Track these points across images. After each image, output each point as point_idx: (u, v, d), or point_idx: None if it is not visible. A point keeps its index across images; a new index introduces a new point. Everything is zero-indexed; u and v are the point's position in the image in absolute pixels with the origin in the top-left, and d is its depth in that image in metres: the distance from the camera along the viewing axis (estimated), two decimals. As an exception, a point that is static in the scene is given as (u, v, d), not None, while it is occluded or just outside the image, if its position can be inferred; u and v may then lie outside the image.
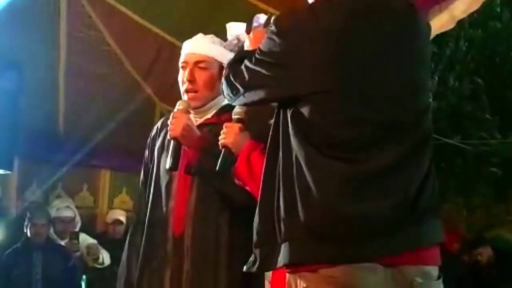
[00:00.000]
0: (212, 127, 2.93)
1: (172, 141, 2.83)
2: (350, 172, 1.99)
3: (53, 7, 5.50)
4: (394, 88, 2.05)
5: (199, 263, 2.83)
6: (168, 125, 2.91)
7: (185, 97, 2.97)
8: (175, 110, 2.90)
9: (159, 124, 3.17)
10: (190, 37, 5.48)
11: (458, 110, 9.86)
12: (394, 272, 1.98)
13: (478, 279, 7.44)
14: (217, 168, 2.68)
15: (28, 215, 6.00)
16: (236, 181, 2.66)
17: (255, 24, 2.69)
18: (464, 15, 5.00)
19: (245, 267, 2.21)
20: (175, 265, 2.84)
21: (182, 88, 2.98)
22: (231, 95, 2.29)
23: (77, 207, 6.75)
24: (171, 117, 2.87)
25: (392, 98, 2.04)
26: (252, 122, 2.71)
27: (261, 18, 2.67)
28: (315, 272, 1.98)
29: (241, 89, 2.23)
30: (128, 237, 3.14)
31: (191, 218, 2.86)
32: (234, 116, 2.74)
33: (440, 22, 5.06)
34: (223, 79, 2.31)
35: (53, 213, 6.25)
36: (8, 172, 5.58)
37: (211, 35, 3.06)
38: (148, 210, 2.98)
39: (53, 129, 6.61)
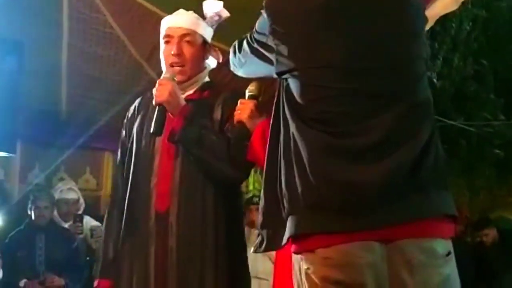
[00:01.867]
0: (194, 103, 2.94)
1: (157, 107, 2.82)
2: (340, 145, 1.98)
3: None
4: (386, 58, 2.03)
5: (185, 240, 2.82)
6: (151, 99, 2.93)
7: (170, 69, 2.96)
8: (161, 77, 2.91)
9: (136, 103, 3.15)
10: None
11: (462, 91, 9.83)
12: (392, 249, 1.94)
13: (482, 260, 7.45)
14: (231, 141, 2.74)
15: (31, 197, 5.99)
16: (250, 158, 2.67)
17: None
18: (466, -3, 4.97)
19: (252, 249, 2.22)
20: (159, 242, 2.84)
21: (166, 62, 2.98)
22: (236, 64, 2.43)
23: (80, 190, 6.74)
24: (157, 84, 2.87)
25: (384, 69, 2.03)
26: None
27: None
28: (313, 253, 1.97)
29: (243, 60, 2.36)
30: (104, 221, 3.13)
31: (175, 195, 2.86)
32: (248, 93, 2.77)
33: (443, 3, 5.04)
34: (231, 50, 2.42)
35: (57, 195, 6.23)
36: (10, 155, 5.56)
37: (191, 11, 3.06)
38: (128, 188, 2.96)
39: (55, 112, 6.60)
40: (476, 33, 9.82)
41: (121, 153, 3.11)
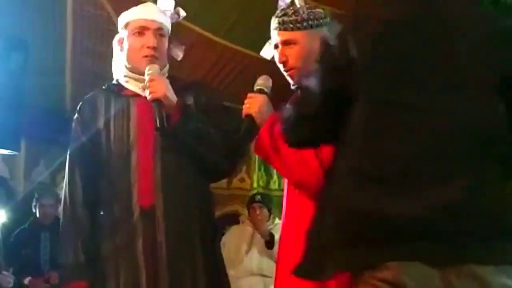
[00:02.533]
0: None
1: (153, 103, 2.76)
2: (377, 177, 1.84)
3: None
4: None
5: (174, 233, 2.81)
6: (113, 96, 2.92)
7: (143, 61, 2.88)
8: (147, 73, 2.82)
9: (86, 105, 3.01)
10: (197, 16, 5.59)
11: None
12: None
13: None
14: (240, 134, 2.70)
15: (36, 195, 5.99)
16: (257, 152, 2.65)
17: (281, 3, 2.74)
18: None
19: (295, 272, 2.07)
20: (146, 237, 2.79)
21: (138, 54, 2.90)
22: None
23: (84, 188, 6.71)
24: (148, 80, 2.80)
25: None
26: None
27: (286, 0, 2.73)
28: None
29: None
30: (65, 222, 2.95)
31: (160, 190, 2.82)
32: (256, 87, 2.72)
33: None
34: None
35: (61, 193, 6.22)
36: (14, 152, 5.55)
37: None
38: (101, 188, 2.89)
39: (60, 109, 6.60)
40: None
41: (77, 154, 2.97)
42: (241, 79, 6.29)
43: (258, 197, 6.83)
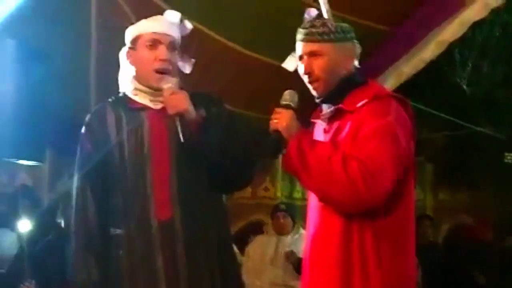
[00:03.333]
0: None
1: (177, 117, 2.74)
2: None
3: (84, -2, 5.49)
4: None
5: (192, 244, 2.79)
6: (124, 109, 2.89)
7: (154, 75, 2.86)
8: (166, 87, 2.81)
9: (94, 118, 2.98)
10: (217, 24, 5.60)
11: (491, 97, 9.73)
12: None
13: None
14: (267, 151, 2.69)
15: (60, 206, 6.00)
16: (285, 168, 2.65)
17: (306, 16, 2.76)
18: (497, 4, 4.96)
19: None
20: (165, 250, 2.78)
21: (150, 67, 2.87)
22: None
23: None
24: (168, 95, 2.79)
25: None
26: None
27: (312, 11, 2.75)
28: None
29: None
30: (77, 240, 2.88)
31: (177, 202, 2.80)
32: (283, 102, 2.69)
33: (474, 11, 5.02)
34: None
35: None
36: (39, 163, 5.58)
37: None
38: (115, 203, 2.84)
39: (84, 120, 6.61)
40: (506, 39, 9.71)
41: (88, 169, 2.91)
42: (264, 88, 6.28)
43: (283, 206, 6.81)
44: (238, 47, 5.99)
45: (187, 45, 5.04)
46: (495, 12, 8.88)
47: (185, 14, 4.73)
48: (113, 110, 2.94)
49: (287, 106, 2.68)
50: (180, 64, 3.03)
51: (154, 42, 2.88)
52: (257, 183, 8.71)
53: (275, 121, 2.65)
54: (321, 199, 2.61)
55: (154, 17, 3.01)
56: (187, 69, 3.07)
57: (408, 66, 5.86)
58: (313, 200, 2.73)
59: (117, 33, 5.67)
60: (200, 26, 5.46)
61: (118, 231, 2.84)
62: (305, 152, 2.54)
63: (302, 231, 6.59)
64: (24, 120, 5.02)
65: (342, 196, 2.49)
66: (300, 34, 2.71)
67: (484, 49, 9.54)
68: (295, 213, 6.76)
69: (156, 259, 2.78)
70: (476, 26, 9.01)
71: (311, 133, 2.73)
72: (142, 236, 2.80)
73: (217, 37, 5.73)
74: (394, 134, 2.52)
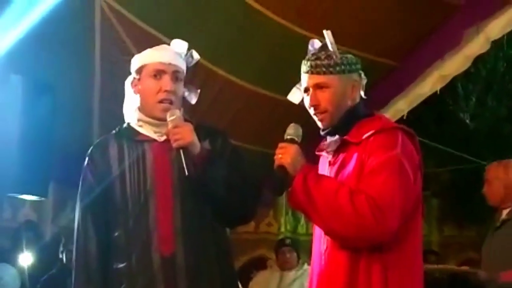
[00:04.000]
0: None
1: (181, 150, 2.70)
2: None
3: (88, 32, 5.52)
4: None
5: (194, 280, 2.75)
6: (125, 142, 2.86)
7: (158, 106, 2.83)
8: (170, 119, 2.76)
9: (97, 150, 2.93)
10: (221, 59, 5.62)
11: (496, 131, 9.71)
12: None
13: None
14: (273, 188, 2.66)
15: (62, 240, 5.96)
16: (291, 203, 2.61)
17: (310, 48, 2.74)
18: (498, 36, 4.98)
19: None
20: (168, 286, 2.73)
21: (154, 98, 2.84)
22: None
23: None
24: (172, 127, 2.74)
25: None
26: None
27: (316, 43, 2.73)
28: None
29: None
30: (78, 276, 2.83)
31: (180, 236, 2.76)
32: (287, 137, 2.66)
33: (476, 45, 5.04)
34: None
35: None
36: (42, 198, 5.57)
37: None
38: (116, 237, 2.80)
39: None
40: (510, 74, 9.72)
41: (89, 202, 2.87)
42: (268, 123, 6.29)
43: (288, 240, 6.77)
44: (243, 82, 6.01)
45: (192, 79, 5.09)
46: (498, 46, 8.95)
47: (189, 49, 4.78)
48: (116, 141, 2.91)
49: (291, 141, 2.65)
50: (186, 94, 2.99)
51: (159, 72, 2.84)
52: (260, 218, 8.68)
53: (279, 156, 2.61)
54: (328, 234, 2.57)
55: (160, 47, 2.98)
56: (193, 99, 3.03)
57: (405, 102, 5.87)
58: (318, 234, 2.70)
59: (120, 67, 5.73)
60: (204, 62, 5.48)
61: (120, 265, 2.79)
62: (311, 188, 2.51)
63: (306, 266, 6.55)
64: (28, 155, 5.00)
65: (350, 231, 2.45)
66: (305, 66, 2.69)
67: (488, 83, 9.55)
68: (299, 249, 6.72)
69: None
70: (480, 60, 9.09)
71: (317, 167, 2.70)
72: (144, 271, 2.75)
73: (221, 72, 5.74)
74: (401, 167, 2.49)
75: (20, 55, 5.14)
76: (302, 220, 8.85)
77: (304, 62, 2.71)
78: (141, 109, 2.91)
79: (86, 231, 2.85)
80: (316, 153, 2.80)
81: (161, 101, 2.83)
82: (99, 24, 5.50)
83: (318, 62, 2.66)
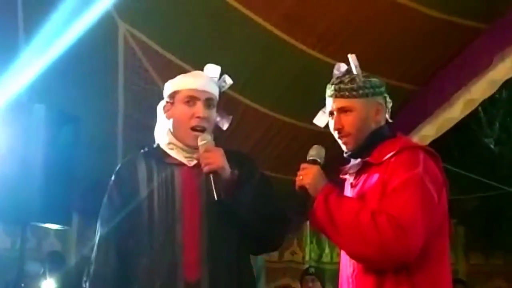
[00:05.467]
0: None
1: (211, 175, 2.69)
2: None
3: (111, 61, 5.56)
4: None
5: None
6: (154, 162, 2.84)
7: (191, 133, 2.83)
8: (201, 143, 2.77)
9: (124, 169, 2.92)
10: (245, 88, 5.62)
11: (522, 157, 9.61)
12: None
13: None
14: (295, 208, 2.65)
15: (86, 271, 5.95)
16: (312, 224, 2.62)
17: (335, 72, 2.76)
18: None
19: None
20: None
21: (187, 124, 2.84)
22: None
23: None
24: (203, 151, 2.75)
25: None
26: None
27: (342, 67, 2.76)
28: None
29: None
30: None
31: (206, 262, 2.72)
32: (309, 158, 2.69)
33: (504, 70, 5.01)
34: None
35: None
36: (65, 227, 5.57)
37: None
38: (138, 261, 2.76)
39: (111, 183, 6.63)
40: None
41: (112, 222, 2.85)
42: (290, 150, 6.27)
43: (312, 269, 6.74)
44: (264, 109, 6.01)
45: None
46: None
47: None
48: (145, 161, 2.89)
49: (313, 162, 2.67)
50: (218, 120, 3.00)
51: (192, 99, 2.85)
52: (284, 247, 8.63)
53: (300, 177, 2.62)
54: (351, 255, 2.56)
55: (194, 73, 3.01)
56: (225, 125, 3.03)
57: (433, 128, 5.82)
58: (344, 257, 2.68)
59: (143, 96, 5.77)
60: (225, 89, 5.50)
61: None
62: (332, 208, 2.51)
63: (331, 295, 6.50)
64: (51, 184, 5.02)
65: (372, 252, 2.43)
66: (329, 90, 2.72)
67: (511, 107, 9.47)
68: (324, 277, 6.68)
69: None
70: (503, 84, 9.02)
71: (337, 188, 2.67)
72: None
73: (243, 98, 5.74)
74: (424, 186, 2.48)
75: (44, 85, 5.19)
76: (327, 249, 8.78)
77: (328, 86, 2.73)
78: (173, 133, 2.90)
79: (106, 252, 2.82)
80: (340, 176, 2.80)
81: (193, 128, 2.84)
82: (122, 53, 5.55)
83: (342, 86, 2.68)
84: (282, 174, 6.46)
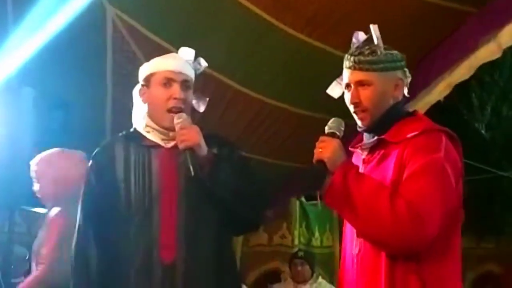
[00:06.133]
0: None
1: (186, 152, 2.70)
2: None
3: (100, 45, 5.53)
4: None
5: (193, 286, 2.74)
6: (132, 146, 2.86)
7: (167, 115, 2.84)
8: (177, 121, 2.78)
9: (100, 154, 2.95)
10: (237, 70, 5.61)
11: (513, 141, 9.61)
12: None
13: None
14: (308, 182, 2.63)
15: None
16: (327, 200, 2.50)
17: (354, 40, 2.64)
18: (510, 44, 4.93)
19: None
20: None
21: (163, 106, 2.85)
22: None
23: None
24: (179, 129, 2.76)
25: None
26: None
27: (361, 35, 2.63)
28: None
29: None
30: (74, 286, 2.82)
31: (183, 243, 2.74)
32: (328, 130, 2.59)
33: (485, 52, 5.00)
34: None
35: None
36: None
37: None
38: (117, 242, 2.79)
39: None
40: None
41: (91, 206, 2.87)
42: (280, 134, 6.26)
43: (301, 253, 6.75)
44: (254, 93, 5.99)
45: (202, 91, 5.07)
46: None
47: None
48: (123, 145, 2.91)
49: (332, 134, 2.57)
50: (195, 102, 3.01)
51: (168, 81, 2.87)
52: (274, 231, 8.63)
53: (319, 150, 2.51)
54: (363, 237, 2.47)
55: (169, 55, 3.02)
56: (201, 107, 3.04)
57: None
58: (349, 236, 2.61)
59: (131, 80, 5.73)
60: (215, 72, 5.48)
61: (121, 273, 2.77)
62: (351, 186, 2.41)
63: (320, 279, 6.51)
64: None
65: (386, 236, 2.35)
66: (347, 61, 2.59)
67: (503, 92, 9.46)
68: (313, 261, 6.69)
69: None
70: (495, 69, 9.00)
71: (357, 166, 2.57)
72: (144, 279, 2.73)
73: (232, 83, 5.73)
74: (444, 171, 2.40)
75: (32, 68, 5.16)
76: (317, 233, 8.78)
77: (347, 56, 2.60)
78: (149, 116, 2.91)
79: (86, 235, 2.83)
80: (350, 149, 2.69)
81: (170, 109, 2.85)
82: (111, 38, 5.52)
83: (362, 58, 2.55)
84: (272, 159, 6.47)
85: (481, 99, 9.15)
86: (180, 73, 2.88)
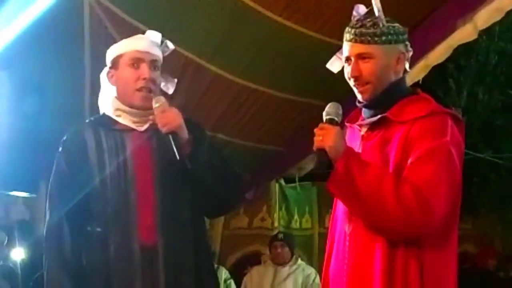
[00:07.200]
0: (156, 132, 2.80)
1: (169, 135, 2.68)
2: None
3: (77, 29, 5.49)
4: None
5: (173, 270, 2.73)
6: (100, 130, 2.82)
7: (137, 94, 2.81)
8: (156, 105, 2.75)
9: (70, 138, 2.89)
10: (216, 54, 5.60)
11: (489, 123, 9.70)
12: None
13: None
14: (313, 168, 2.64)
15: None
16: (330, 188, 2.45)
17: (354, 13, 2.55)
18: (486, 25, 4.96)
19: None
20: (147, 280, 2.70)
21: (133, 86, 2.82)
22: None
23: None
24: (159, 112, 2.73)
25: None
26: None
27: (361, 8, 2.53)
28: None
29: None
30: (51, 271, 2.77)
31: (162, 226, 2.73)
32: (326, 117, 2.50)
33: (461, 34, 5.03)
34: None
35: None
36: (32, 195, 5.56)
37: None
38: (92, 227, 2.76)
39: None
40: (502, 66, 9.69)
41: (63, 192, 2.81)
42: (259, 117, 6.27)
43: (281, 235, 6.78)
44: (233, 77, 5.99)
45: (181, 75, 5.05)
46: (490, 38, 8.92)
47: (181, 46, 4.76)
48: (93, 130, 2.86)
49: (331, 121, 2.49)
50: (163, 84, 2.98)
51: (137, 61, 2.84)
52: (254, 213, 8.66)
53: (319, 138, 2.44)
54: (369, 226, 2.40)
55: (136, 36, 2.99)
56: (170, 89, 3.01)
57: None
58: (341, 213, 2.56)
59: (109, 63, 5.71)
60: (194, 56, 5.46)
61: (97, 256, 2.75)
62: (354, 174, 2.35)
63: (300, 261, 6.55)
64: (18, 152, 4.99)
65: (392, 223, 2.30)
66: (348, 34, 2.49)
67: (479, 76, 9.54)
68: (293, 244, 6.72)
69: (135, 286, 2.70)
70: (472, 53, 9.06)
71: (359, 153, 2.50)
72: (123, 262, 2.72)
73: (211, 67, 5.72)
74: (450, 156, 2.34)
75: (8, 52, 5.12)
76: (296, 215, 8.81)
77: (347, 29, 2.51)
78: (119, 98, 2.88)
79: (59, 221, 2.78)
80: (346, 123, 2.64)
81: (139, 89, 2.82)
82: (88, 21, 5.47)
83: (363, 30, 2.46)
84: (252, 142, 6.48)
85: (458, 83, 9.22)
86: (148, 53, 2.85)
